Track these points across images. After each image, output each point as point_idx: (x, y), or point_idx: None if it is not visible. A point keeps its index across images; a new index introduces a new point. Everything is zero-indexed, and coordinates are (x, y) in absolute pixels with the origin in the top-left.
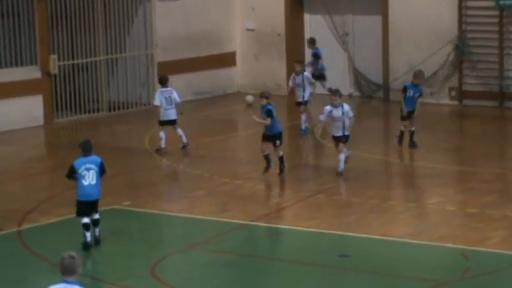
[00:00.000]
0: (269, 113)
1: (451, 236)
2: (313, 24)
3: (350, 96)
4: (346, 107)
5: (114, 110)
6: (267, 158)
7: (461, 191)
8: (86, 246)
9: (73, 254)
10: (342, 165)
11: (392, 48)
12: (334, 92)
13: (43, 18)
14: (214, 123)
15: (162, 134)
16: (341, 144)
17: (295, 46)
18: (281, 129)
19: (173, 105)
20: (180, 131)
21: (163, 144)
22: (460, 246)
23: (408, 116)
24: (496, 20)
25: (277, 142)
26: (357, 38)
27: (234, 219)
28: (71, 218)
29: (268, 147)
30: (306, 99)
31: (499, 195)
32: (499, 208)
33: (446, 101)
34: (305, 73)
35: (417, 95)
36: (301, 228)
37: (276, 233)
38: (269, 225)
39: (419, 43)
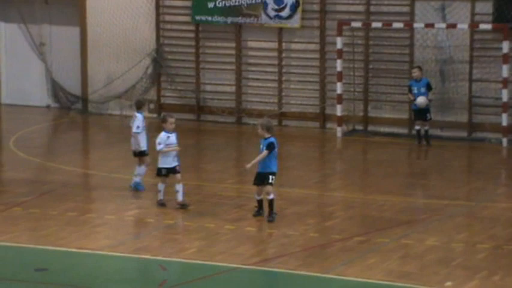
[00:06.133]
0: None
1: (149, 248)
2: (9, 33)
3: (48, 107)
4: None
5: None
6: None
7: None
8: None
9: None
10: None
11: (91, 60)
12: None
13: None
14: None
15: None
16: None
17: None
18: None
19: None
20: None
21: None
22: (158, 258)
23: None
24: (192, 35)
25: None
26: (54, 49)
27: None
28: None
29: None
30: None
31: (196, 206)
32: (195, 219)
33: (145, 113)
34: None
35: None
36: None
37: None
38: None
39: (118, 55)
